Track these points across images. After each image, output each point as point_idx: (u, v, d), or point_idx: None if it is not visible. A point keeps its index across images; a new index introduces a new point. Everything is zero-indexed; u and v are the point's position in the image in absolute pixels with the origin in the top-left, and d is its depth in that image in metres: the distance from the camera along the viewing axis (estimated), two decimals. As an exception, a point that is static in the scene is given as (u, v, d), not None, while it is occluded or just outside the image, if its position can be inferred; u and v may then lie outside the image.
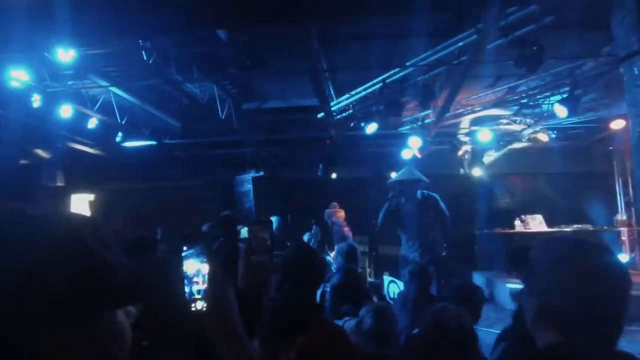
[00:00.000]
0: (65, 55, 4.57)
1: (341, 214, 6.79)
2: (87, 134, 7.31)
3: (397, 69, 5.70)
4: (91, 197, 8.52)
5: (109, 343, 0.59)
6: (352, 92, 6.38)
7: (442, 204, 5.53)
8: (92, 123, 6.81)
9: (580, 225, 7.34)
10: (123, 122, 7.15)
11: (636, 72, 2.32)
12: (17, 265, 0.53)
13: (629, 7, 2.31)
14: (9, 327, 0.52)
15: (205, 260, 1.17)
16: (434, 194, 5.60)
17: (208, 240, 1.19)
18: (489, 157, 8.76)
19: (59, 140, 7.35)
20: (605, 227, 7.65)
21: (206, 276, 1.16)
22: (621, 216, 8.31)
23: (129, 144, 8.17)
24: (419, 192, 5.58)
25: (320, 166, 8.65)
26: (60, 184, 8.03)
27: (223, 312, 0.98)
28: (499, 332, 2.14)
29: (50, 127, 6.63)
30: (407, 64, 5.55)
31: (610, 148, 8.58)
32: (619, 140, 8.08)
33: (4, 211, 0.59)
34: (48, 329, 0.54)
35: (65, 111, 6.09)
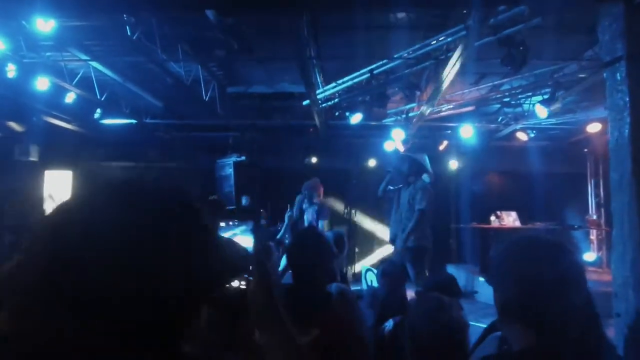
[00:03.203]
0: (45, 25, 4.37)
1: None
2: (64, 108, 7.06)
3: (385, 61, 5.70)
4: (67, 173, 8.30)
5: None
6: (339, 81, 6.37)
7: (422, 196, 5.50)
8: (70, 98, 6.59)
9: (552, 223, 7.56)
10: (102, 99, 6.94)
11: (619, 78, 2.39)
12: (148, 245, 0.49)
13: (616, 14, 2.37)
14: (147, 305, 0.48)
15: (254, 236, 1.18)
16: (423, 187, 5.55)
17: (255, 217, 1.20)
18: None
19: (34, 113, 7.09)
20: (575, 226, 7.91)
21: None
22: (591, 216, 8.62)
23: (107, 121, 7.96)
24: (419, 182, 5.55)
25: (302, 154, 8.65)
26: (33, 158, 7.78)
27: (269, 289, 0.98)
28: (473, 323, 2.19)
29: (25, 100, 6.38)
30: (395, 56, 5.56)
31: (585, 150, 8.85)
32: (593, 143, 8.34)
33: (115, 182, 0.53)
34: (184, 308, 0.51)
35: (42, 84, 5.86)
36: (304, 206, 5.90)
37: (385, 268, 3.53)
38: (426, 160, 5.77)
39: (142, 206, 0.52)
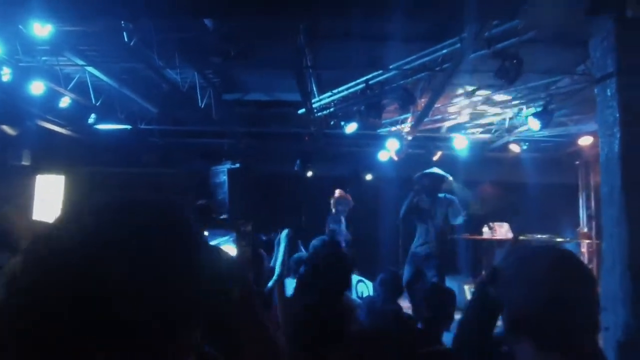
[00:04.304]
0: (42, 29, 4.37)
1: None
2: (59, 113, 7.04)
3: (380, 71, 5.75)
4: (59, 178, 8.22)
5: None
6: (335, 91, 6.41)
7: (456, 206, 5.73)
8: (65, 102, 6.56)
9: (544, 235, 7.61)
10: (97, 104, 6.92)
11: (609, 94, 2.43)
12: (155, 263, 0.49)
13: (608, 30, 2.42)
14: (152, 329, 0.48)
15: (242, 245, 1.17)
16: (453, 197, 5.79)
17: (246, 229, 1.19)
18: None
19: (27, 117, 7.04)
20: (567, 238, 7.96)
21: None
22: (582, 228, 8.68)
23: (102, 126, 7.93)
24: (442, 193, 5.77)
25: (297, 162, 8.65)
26: (25, 163, 7.71)
27: (252, 298, 0.98)
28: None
29: (19, 103, 6.35)
30: (391, 67, 5.61)
31: (577, 162, 8.93)
32: (585, 156, 8.43)
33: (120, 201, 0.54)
34: (183, 331, 0.52)
35: (37, 88, 5.84)
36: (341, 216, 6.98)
37: (383, 277, 3.51)
38: (437, 171, 5.98)
39: (135, 224, 0.51)
